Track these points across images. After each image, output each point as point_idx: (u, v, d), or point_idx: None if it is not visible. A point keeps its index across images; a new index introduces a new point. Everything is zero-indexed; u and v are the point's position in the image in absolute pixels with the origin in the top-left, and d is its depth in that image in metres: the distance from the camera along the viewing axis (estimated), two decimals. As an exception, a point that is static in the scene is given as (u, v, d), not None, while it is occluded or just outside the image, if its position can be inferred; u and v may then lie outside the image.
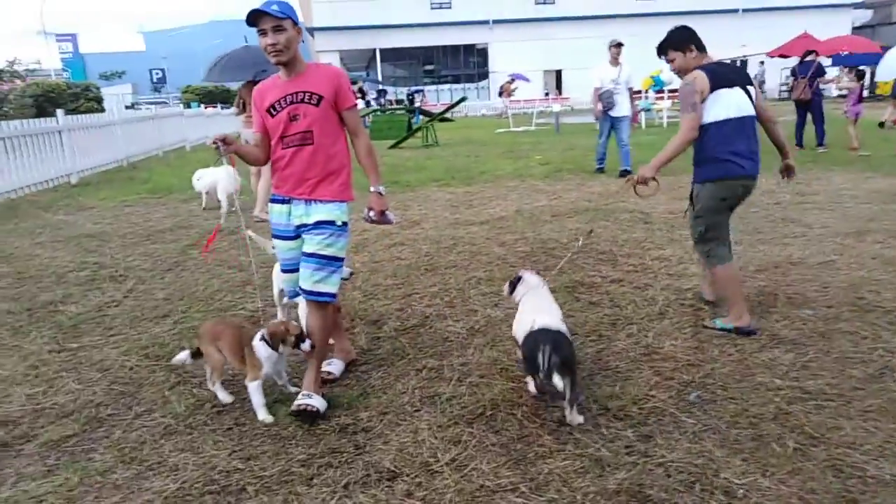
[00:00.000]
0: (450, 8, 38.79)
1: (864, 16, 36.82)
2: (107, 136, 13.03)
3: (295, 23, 2.74)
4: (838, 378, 3.04)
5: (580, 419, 2.72)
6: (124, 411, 3.01)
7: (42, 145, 10.40)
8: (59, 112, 11.32)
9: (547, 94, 35.47)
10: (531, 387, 2.98)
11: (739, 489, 2.26)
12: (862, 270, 4.56)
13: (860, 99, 11.83)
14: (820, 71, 11.07)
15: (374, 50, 39.49)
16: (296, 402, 2.84)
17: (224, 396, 3.02)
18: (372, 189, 2.97)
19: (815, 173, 8.71)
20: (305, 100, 2.78)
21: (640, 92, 20.29)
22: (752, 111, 3.57)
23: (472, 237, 5.98)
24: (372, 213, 2.99)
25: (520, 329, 2.91)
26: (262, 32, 2.69)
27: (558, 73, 38.49)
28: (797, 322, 3.71)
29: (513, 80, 28.88)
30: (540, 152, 12.83)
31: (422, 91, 33.73)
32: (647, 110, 18.78)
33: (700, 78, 3.51)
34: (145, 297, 4.58)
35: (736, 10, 37.88)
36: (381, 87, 34.65)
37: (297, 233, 2.91)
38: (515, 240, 5.79)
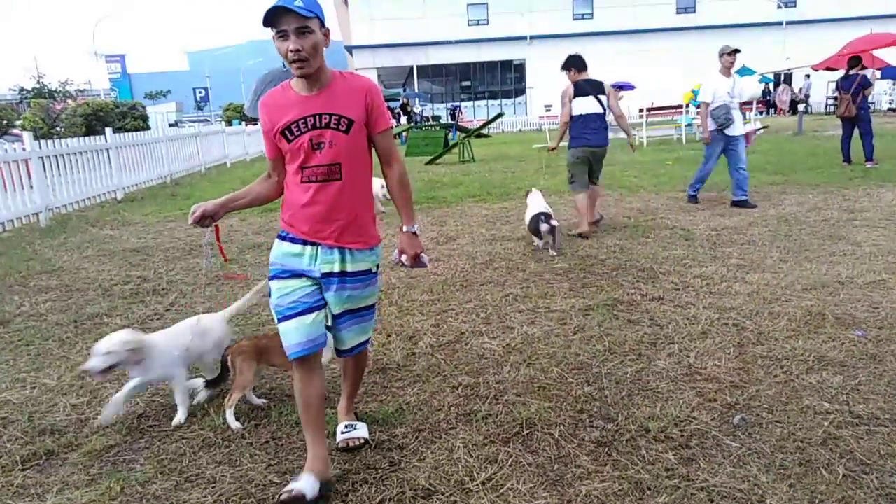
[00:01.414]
0: (487, 24, 39.07)
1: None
2: (151, 154, 13.43)
3: (322, 23, 2.21)
4: (891, 402, 2.91)
5: (554, 253, 5.66)
6: (165, 423, 3.06)
7: (92, 162, 10.79)
8: (108, 130, 11.74)
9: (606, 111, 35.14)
10: (536, 242, 6.07)
11: (787, 518, 2.17)
12: (915, 290, 4.38)
13: None
14: (865, 83, 10.74)
15: (413, 67, 39.97)
16: (342, 437, 2.76)
17: (233, 422, 2.97)
18: (405, 229, 2.51)
19: (864, 189, 8.44)
20: (333, 124, 2.25)
21: (680, 106, 20.03)
22: (599, 110, 6.45)
23: (508, 253, 5.95)
24: (404, 258, 2.56)
25: (528, 214, 6.14)
26: (283, 35, 2.14)
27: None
28: (846, 343, 3.58)
29: (619, 88, 27.02)
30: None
31: (458, 107, 33.95)
32: (689, 125, 18.51)
33: (569, 89, 6.53)
34: (186, 311, 4.67)
35: (780, 23, 37.21)
36: (421, 101, 34.90)
37: (310, 279, 2.37)
38: (553, 256, 5.74)
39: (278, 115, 2.28)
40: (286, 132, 2.26)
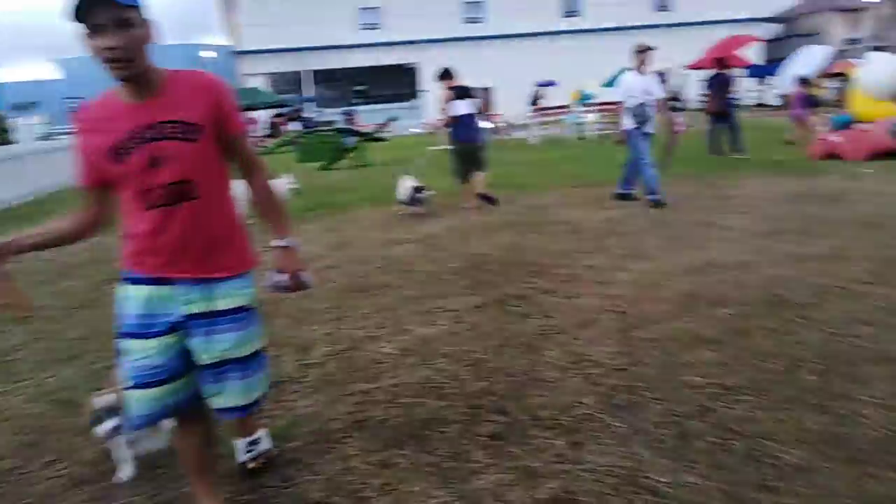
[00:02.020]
0: (379, 28, 38.99)
1: (776, 29, 39.06)
2: (15, 169, 12.45)
3: (143, 14, 1.81)
4: (755, 372, 3.15)
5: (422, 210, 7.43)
6: (29, 463, 2.81)
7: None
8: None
9: (479, 112, 35.92)
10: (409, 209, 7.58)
11: (665, 487, 2.30)
12: (776, 269, 4.78)
13: (805, 104, 12.25)
14: (724, 81, 11.61)
15: (306, 72, 39.24)
16: (246, 457, 2.56)
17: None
18: (276, 243, 2.15)
19: (733, 178, 9.12)
20: (174, 134, 1.85)
21: (566, 106, 20.86)
22: (472, 111, 7.86)
23: (404, 256, 5.95)
24: (279, 279, 2.18)
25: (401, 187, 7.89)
26: (98, 30, 1.72)
27: (490, 91, 39.19)
28: (718, 321, 3.84)
29: (541, 86, 27.03)
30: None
31: (353, 112, 33.65)
32: (579, 123, 19.31)
33: (448, 94, 7.76)
34: (55, 338, 4.33)
35: (658, 26, 39.59)
36: (315, 107, 34.30)
37: (170, 327, 1.96)
38: (447, 256, 5.80)
39: (101, 132, 1.86)
40: (114, 152, 1.84)
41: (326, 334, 4.06)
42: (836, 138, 10.16)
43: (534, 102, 22.11)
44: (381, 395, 3.21)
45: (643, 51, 7.61)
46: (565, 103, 21.37)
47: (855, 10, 35.23)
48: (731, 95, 11.76)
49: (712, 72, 12.43)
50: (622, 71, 23.14)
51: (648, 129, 7.69)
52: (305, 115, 31.39)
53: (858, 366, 3.15)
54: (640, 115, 7.55)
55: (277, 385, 3.37)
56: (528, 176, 11.01)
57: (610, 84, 24.04)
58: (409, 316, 4.30)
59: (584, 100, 21.20)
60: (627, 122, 7.72)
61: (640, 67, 7.63)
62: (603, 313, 4.10)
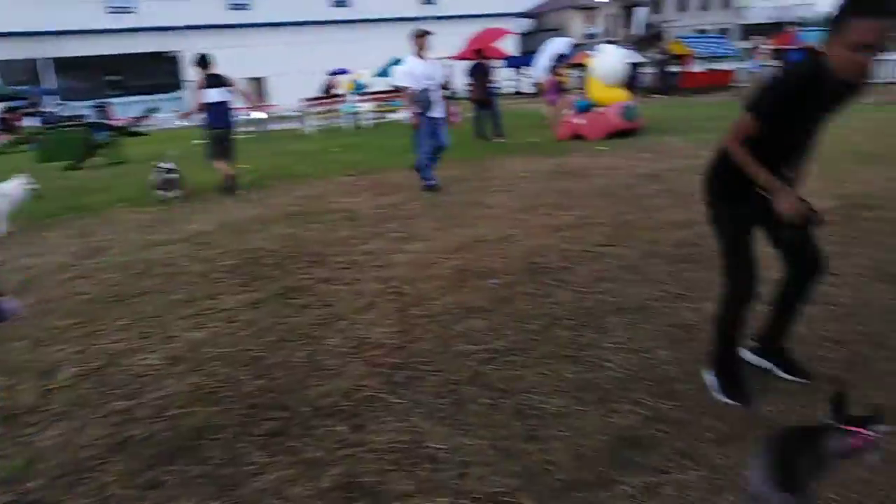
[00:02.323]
0: (134, 13, 35.25)
1: (528, 24, 42.80)
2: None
3: None
4: (519, 334, 3.42)
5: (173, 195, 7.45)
6: None
7: None
8: None
9: (245, 101, 34.30)
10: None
11: (443, 453, 2.39)
12: (534, 239, 5.24)
13: (557, 90, 13.41)
14: (484, 71, 12.48)
15: (44, 60, 34.16)
16: None
17: None
18: None
19: (495, 160, 9.82)
20: None
21: (343, 95, 20.80)
22: (223, 98, 8.13)
23: (168, 258, 5.45)
24: None
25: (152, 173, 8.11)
26: None
27: (261, 81, 37.64)
28: (486, 292, 4.11)
29: (333, 74, 25.47)
30: (246, 161, 12.33)
31: (106, 104, 30.11)
32: (355, 113, 19.36)
33: (201, 80, 8.13)
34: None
35: (425, 18, 41.09)
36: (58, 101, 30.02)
37: None
38: (219, 254, 5.43)
39: None
40: None
41: (76, 353, 3.56)
42: (578, 121, 11.47)
43: (326, 91, 21.76)
44: (143, 411, 2.90)
45: (422, 35, 7.45)
46: (341, 92, 21.31)
47: (591, 8, 40.08)
48: (491, 84, 12.64)
49: (473, 62, 13.23)
50: (395, 61, 23.70)
51: (435, 113, 7.57)
52: (46, 108, 27.34)
53: (603, 318, 3.57)
54: (424, 100, 7.44)
55: (9, 420, 2.89)
56: (306, 166, 10.79)
57: (383, 74, 24.51)
58: (175, 322, 3.94)
59: (357, 89, 21.33)
60: (413, 108, 7.60)
61: (420, 52, 7.48)
62: (382, 296, 4.15)
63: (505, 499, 2.11)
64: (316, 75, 26.76)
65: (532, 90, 24.63)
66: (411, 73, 7.52)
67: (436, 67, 7.67)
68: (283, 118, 20.95)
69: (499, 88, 14.84)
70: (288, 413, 2.78)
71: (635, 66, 19.77)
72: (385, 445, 2.48)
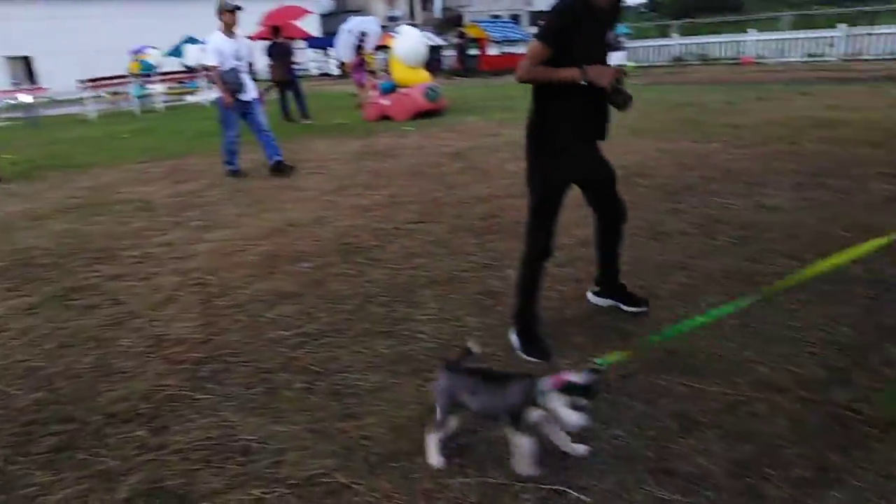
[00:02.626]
0: None
1: (329, 5, 41.95)
2: None
3: None
4: (333, 315, 3.38)
5: None
6: None
7: None
8: None
9: (17, 84, 29.83)
10: None
11: (256, 443, 2.29)
12: (346, 220, 5.20)
13: (363, 70, 13.35)
14: (285, 51, 12.05)
15: None
16: None
17: None
18: None
19: (303, 142, 9.57)
20: None
21: (125, 76, 18.89)
22: None
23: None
24: None
25: None
26: None
27: (28, 60, 32.77)
28: (298, 276, 3.99)
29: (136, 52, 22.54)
30: (11, 151, 10.72)
31: None
32: (145, 96, 17.67)
33: None
34: None
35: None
36: None
37: None
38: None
39: None
40: None
41: None
42: (384, 101, 11.55)
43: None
44: None
45: (231, 10, 6.78)
46: (124, 73, 19.33)
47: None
48: (293, 64, 12.24)
49: (272, 42, 12.69)
50: (189, 40, 21.95)
51: (245, 96, 7.01)
52: None
53: (415, 292, 3.64)
54: (233, 81, 6.87)
55: None
56: (89, 154, 9.67)
57: (175, 53, 22.62)
58: (-77, 337, 3.32)
59: (145, 70, 19.51)
60: (221, 90, 6.98)
61: (227, 29, 6.86)
62: (182, 289, 3.86)
63: (322, 480, 2.07)
64: (103, 55, 24.03)
65: (336, 72, 24.32)
66: (219, 50, 6.83)
67: (244, 45, 7.07)
68: (59, 102, 18.54)
69: (304, 70, 14.46)
70: (75, 424, 2.48)
71: (436, 48, 20.33)
72: (191, 445, 2.31)
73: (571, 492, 1.95)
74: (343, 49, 14.52)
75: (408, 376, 2.72)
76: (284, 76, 11.99)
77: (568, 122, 2.68)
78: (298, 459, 2.19)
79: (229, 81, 6.86)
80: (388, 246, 4.49)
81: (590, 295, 3.31)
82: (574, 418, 1.86)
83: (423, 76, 11.88)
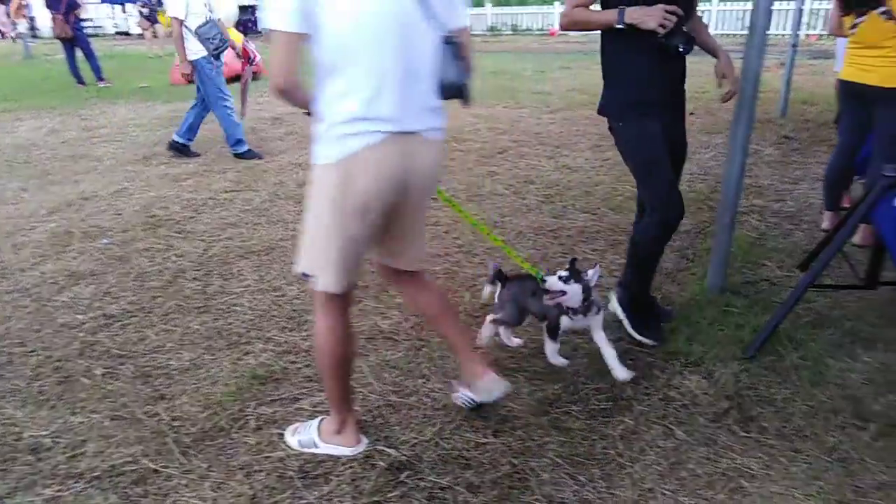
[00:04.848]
0: None
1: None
2: None
3: None
4: (139, 294, 3.12)
5: None
6: None
7: None
8: None
9: None
10: None
11: (47, 439, 2.06)
12: (151, 191, 4.79)
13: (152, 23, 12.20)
14: (71, 5, 10.62)
15: None
16: None
17: None
18: None
19: (100, 107, 8.60)
20: None
21: None
22: None
23: None
24: None
25: None
26: None
27: None
28: (96, 254, 3.62)
29: None
30: None
31: None
32: None
33: None
34: None
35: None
36: None
37: None
38: None
39: None
40: None
41: None
42: (195, 65, 10.68)
43: None
44: None
45: None
46: None
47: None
48: (78, 19, 10.81)
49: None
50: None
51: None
52: None
53: (232, 263, 3.47)
54: (214, 37, 5.42)
55: None
56: None
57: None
58: None
59: None
60: (194, 49, 5.45)
61: None
62: (-52, 275, 3.33)
63: (128, 468, 1.92)
64: None
65: (137, 31, 22.01)
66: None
67: None
68: None
69: (98, 27, 12.88)
70: None
71: (247, 8, 19.33)
72: (-35, 451, 2.03)
73: (387, 449, 2.00)
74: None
75: (224, 351, 2.61)
76: (66, 31, 10.53)
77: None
78: (100, 450, 2.01)
79: (211, 37, 5.41)
80: (200, 217, 4.22)
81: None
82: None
83: (236, 36, 11.16)
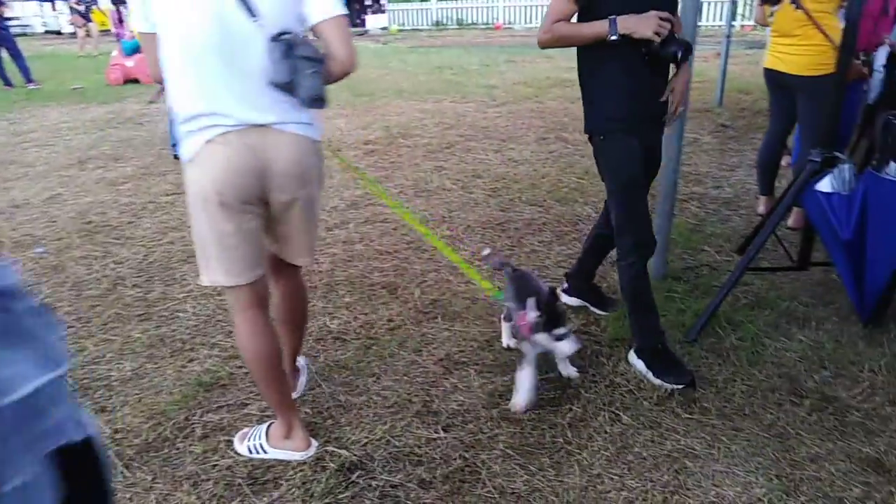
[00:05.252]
0: None
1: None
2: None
3: None
4: (75, 304, 3.00)
5: None
6: None
7: None
8: None
9: None
10: None
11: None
12: (88, 197, 4.61)
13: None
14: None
15: None
16: None
17: None
18: None
19: (29, 111, 8.23)
20: None
21: None
22: None
23: None
24: None
25: None
26: None
27: None
28: (29, 263, 3.47)
29: None
30: None
31: None
32: None
33: None
34: None
35: None
36: None
37: None
38: None
39: None
40: None
41: None
42: (129, 63, 10.33)
43: None
44: None
45: None
46: None
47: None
48: (3, 18, 10.31)
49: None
50: None
51: None
52: None
53: (174, 269, 3.38)
54: None
55: None
56: None
57: None
58: None
59: None
60: None
61: None
62: None
63: (67, 485, 1.85)
64: None
65: (69, 30, 21.15)
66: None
67: None
68: None
69: (26, 26, 12.30)
70: None
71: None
72: None
73: (338, 450, 1.98)
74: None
75: (168, 358, 2.54)
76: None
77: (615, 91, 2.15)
78: (36, 469, 1.92)
79: None
80: (140, 222, 4.09)
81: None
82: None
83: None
